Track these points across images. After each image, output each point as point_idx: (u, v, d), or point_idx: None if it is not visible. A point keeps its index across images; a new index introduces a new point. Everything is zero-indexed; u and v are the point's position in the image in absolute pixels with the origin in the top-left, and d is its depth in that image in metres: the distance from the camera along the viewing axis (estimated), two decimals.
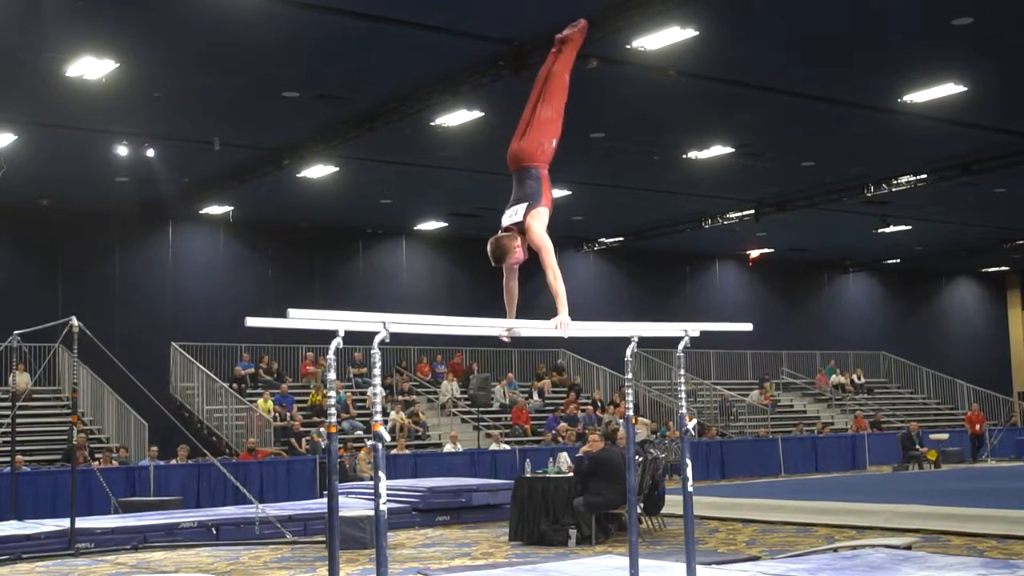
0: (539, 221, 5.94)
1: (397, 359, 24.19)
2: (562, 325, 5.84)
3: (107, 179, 19.29)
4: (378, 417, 5.24)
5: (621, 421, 18.91)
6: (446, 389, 23.44)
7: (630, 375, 6.81)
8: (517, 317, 6.17)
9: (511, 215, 6.03)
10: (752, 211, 23.64)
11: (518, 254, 5.96)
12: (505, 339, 6.12)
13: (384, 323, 5.31)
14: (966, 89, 15.70)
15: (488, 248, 5.99)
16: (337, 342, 5.34)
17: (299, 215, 23.26)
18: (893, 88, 15.74)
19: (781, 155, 19.57)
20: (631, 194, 22.18)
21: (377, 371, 5.31)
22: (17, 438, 13.97)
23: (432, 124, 16.51)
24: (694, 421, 7.00)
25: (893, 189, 21.22)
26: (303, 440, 19.55)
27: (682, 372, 6.85)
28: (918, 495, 13.36)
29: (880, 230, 25.87)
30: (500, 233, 6.03)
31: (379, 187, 21.23)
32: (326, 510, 5.80)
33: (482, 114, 16.15)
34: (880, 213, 24.20)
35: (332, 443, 5.47)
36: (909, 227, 26.29)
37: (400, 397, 22.50)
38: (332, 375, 5.53)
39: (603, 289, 28.13)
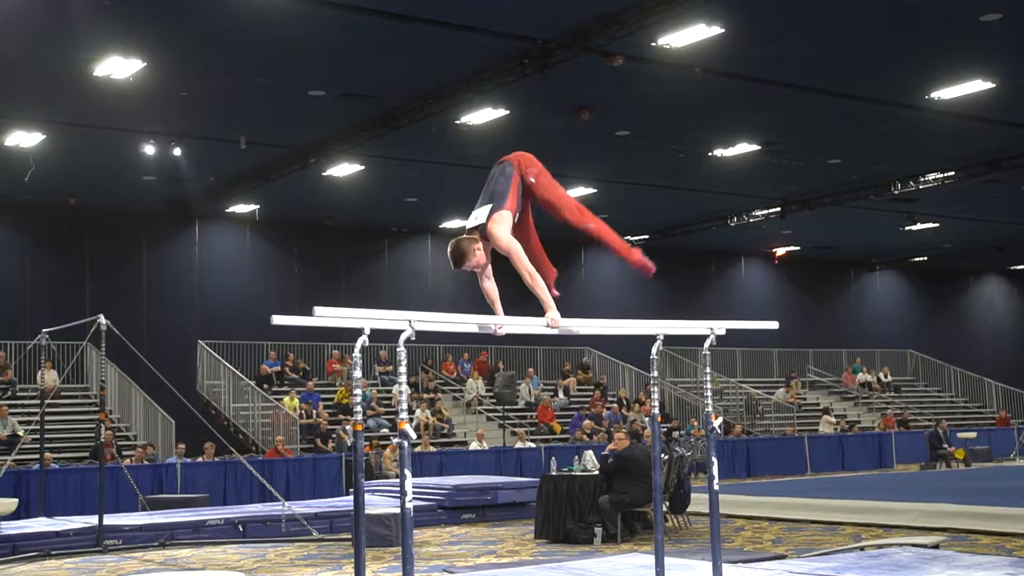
0: (501, 225, 5.76)
1: (423, 357, 24.21)
2: (553, 321, 5.79)
3: (134, 178, 19.42)
4: (404, 415, 5.25)
5: (647, 420, 18.87)
6: (471, 387, 23.45)
7: (656, 373, 6.79)
8: (510, 313, 6.06)
9: (475, 217, 5.89)
10: (778, 209, 23.57)
11: (478, 257, 5.78)
12: (498, 333, 5.99)
13: (410, 321, 5.33)
14: (994, 86, 15.60)
15: (447, 251, 5.85)
16: (363, 340, 5.36)
17: (325, 214, 23.34)
18: (920, 85, 15.65)
19: (807, 152, 19.49)
20: (656, 192, 22.12)
21: (403, 369, 5.32)
22: (46, 435, 14.07)
23: (457, 122, 16.52)
24: (720, 419, 6.98)
25: (920, 187, 21.09)
26: (329, 438, 19.61)
27: (708, 370, 6.83)
28: (946, 494, 13.27)
29: (907, 228, 25.72)
30: (462, 236, 5.88)
31: (405, 186, 21.26)
32: (352, 508, 5.82)
33: (507, 112, 16.15)
34: (907, 211, 24.05)
35: (358, 441, 5.49)
36: (936, 225, 26.12)
37: (425, 395, 22.53)
38: (358, 373, 5.54)
39: (628, 287, 28.06)
